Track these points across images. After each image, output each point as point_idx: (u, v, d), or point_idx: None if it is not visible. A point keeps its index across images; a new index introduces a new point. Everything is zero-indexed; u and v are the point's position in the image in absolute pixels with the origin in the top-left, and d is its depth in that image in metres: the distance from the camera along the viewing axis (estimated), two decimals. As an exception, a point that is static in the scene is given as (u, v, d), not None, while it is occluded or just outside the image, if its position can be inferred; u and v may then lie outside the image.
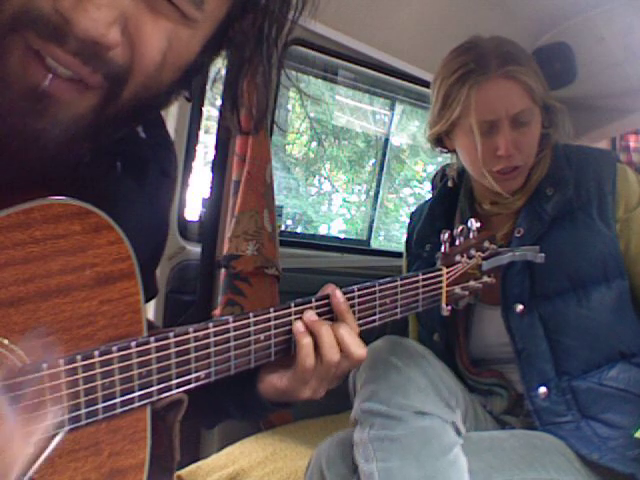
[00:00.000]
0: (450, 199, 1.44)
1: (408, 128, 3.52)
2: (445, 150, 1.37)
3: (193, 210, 1.87)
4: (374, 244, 2.91)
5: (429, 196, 1.65)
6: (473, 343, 1.32)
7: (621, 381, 1.19)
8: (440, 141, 1.36)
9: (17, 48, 0.51)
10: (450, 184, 1.45)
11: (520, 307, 1.23)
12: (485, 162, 1.25)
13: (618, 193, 1.25)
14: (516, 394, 1.28)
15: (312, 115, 3.42)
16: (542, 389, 1.20)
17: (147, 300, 0.79)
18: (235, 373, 0.72)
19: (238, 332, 0.71)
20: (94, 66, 0.53)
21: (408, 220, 1.58)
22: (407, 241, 1.53)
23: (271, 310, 0.74)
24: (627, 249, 1.25)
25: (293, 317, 0.76)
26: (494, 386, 1.31)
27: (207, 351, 0.68)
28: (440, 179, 1.85)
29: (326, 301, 0.80)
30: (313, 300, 0.79)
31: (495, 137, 1.22)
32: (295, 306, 0.77)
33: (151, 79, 0.58)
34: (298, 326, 0.75)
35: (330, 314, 0.80)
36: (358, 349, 0.77)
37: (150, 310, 1.68)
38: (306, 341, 0.74)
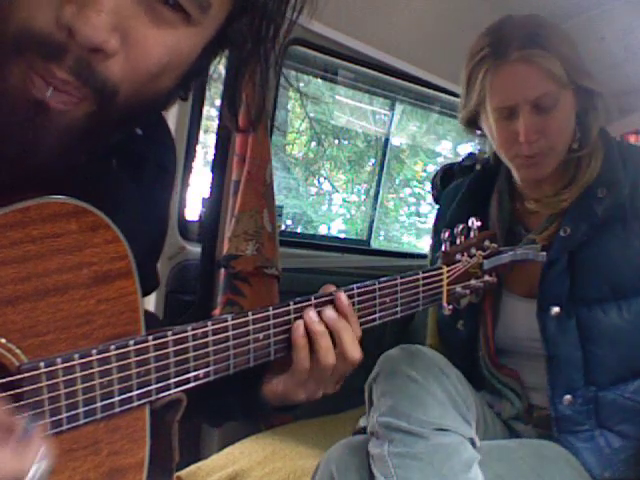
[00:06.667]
0: (487, 184, 1.38)
1: (408, 128, 3.51)
2: (479, 132, 1.31)
3: (193, 210, 1.87)
4: (374, 244, 2.91)
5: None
6: (500, 333, 1.28)
7: None
8: (473, 123, 1.30)
9: (19, 72, 0.52)
10: (478, 167, 1.41)
11: (556, 310, 1.18)
12: (507, 148, 1.20)
13: None
14: (528, 404, 1.25)
15: (312, 115, 3.42)
16: (567, 397, 1.17)
17: (149, 292, 0.80)
18: (240, 374, 0.72)
19: (237, 331, 0.70)
20: (84, 80, 0.53)
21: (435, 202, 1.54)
22: (436, 222, 1.47)
23: (270, 309, 0.74)
24: None
25: (292, 316, 0.76)
26: (507, 389, 1.27)
27: (206, 350, 0.68)
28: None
29: (325, 299, 0.79)
30: (312, 298, 0.78)
31: (516, 123, 1.16)
32: (294, 304, 0.76)
33: (146, 87, 0.58)
34: (295, 326, 0.75)
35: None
36: (355, 352, 0.78)
37: (150, 309, 1.68)
38: (302, 343, 0.75)
